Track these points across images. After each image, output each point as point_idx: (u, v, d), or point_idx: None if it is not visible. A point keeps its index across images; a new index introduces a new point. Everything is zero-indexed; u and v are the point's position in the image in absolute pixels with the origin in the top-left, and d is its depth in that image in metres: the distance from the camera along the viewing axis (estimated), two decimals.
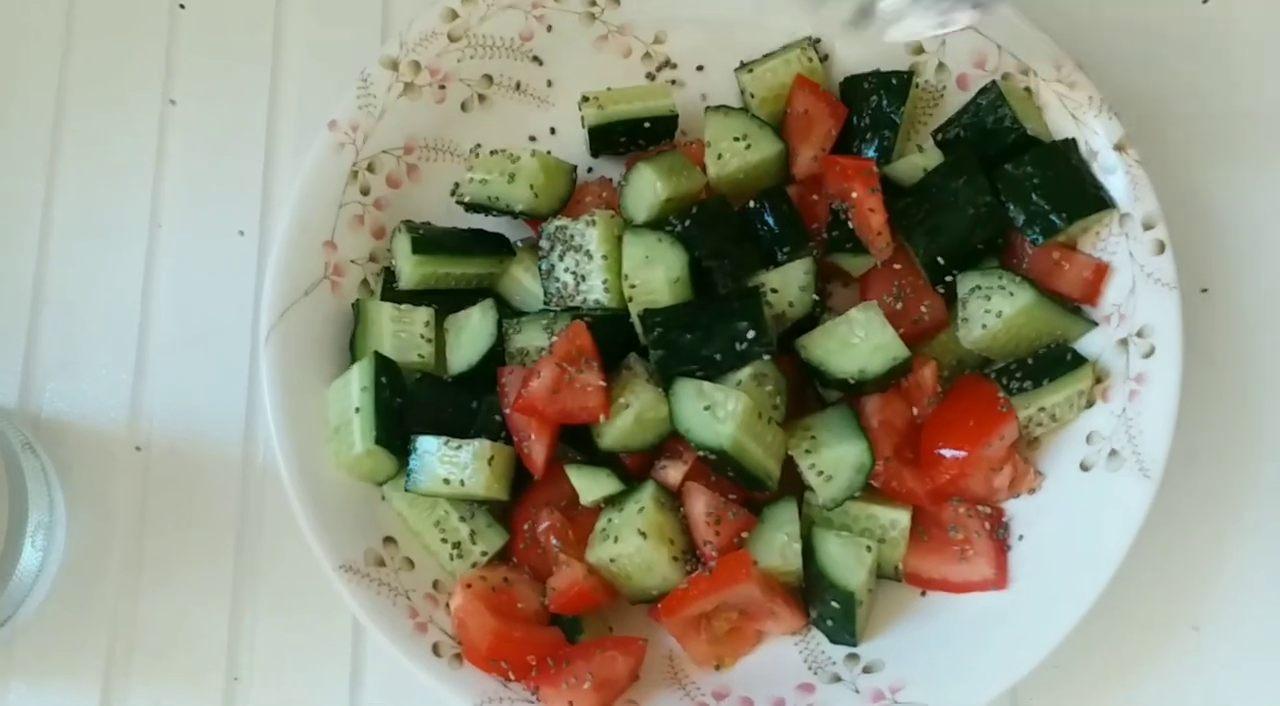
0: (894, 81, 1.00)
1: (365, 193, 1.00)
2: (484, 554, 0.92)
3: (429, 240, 0.98)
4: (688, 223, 0.93)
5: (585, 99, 1.01)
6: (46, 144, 1.10)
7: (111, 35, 1.13)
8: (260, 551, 0.99)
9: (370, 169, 1.01)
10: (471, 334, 0.97)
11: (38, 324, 1.05)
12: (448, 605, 0.91)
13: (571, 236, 0.94)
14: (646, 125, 1.01)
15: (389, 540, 0.93)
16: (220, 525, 1.00)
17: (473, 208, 1.00)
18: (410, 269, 0.97)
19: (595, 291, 0.93)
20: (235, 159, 1.09)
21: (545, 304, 0.96)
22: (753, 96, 1.02)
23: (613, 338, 0.92)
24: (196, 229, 1.08)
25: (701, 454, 0.88)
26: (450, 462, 0.90)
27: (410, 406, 0.94)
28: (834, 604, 0.88)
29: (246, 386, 1.03)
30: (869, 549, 0.89)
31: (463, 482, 0.90)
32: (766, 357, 0.90)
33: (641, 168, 0.96)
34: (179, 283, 1.07)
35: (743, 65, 1.04)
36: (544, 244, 0.95)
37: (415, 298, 0.98)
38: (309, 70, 1.11)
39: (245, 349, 1.03)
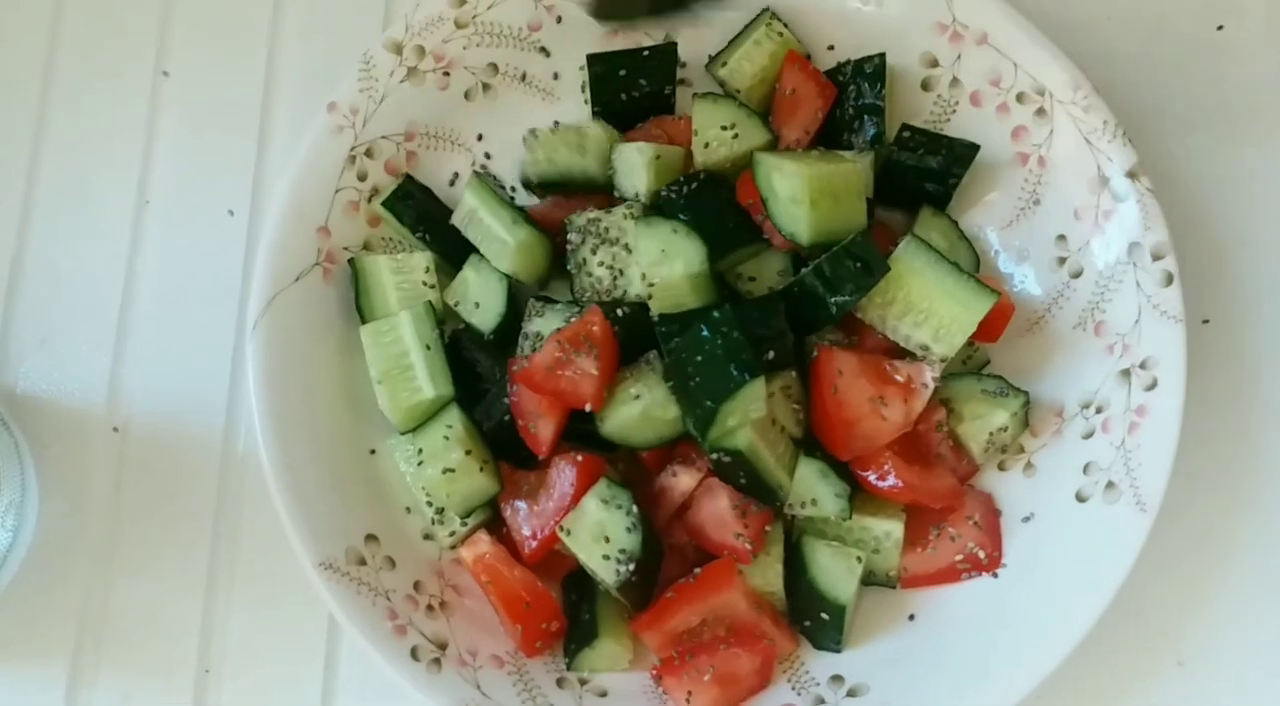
0: (868, 68, 0.98)
1: (362, 179, 0.98)
2: (464, 524, 0.91)
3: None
4: (684, 194, 0.91)
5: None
6: (33, 112, 1.07)
7: (104, 2, 1.09)
8: (237, 541, 0.97)
9: (369, 154, 0.98)
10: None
11: (16, 297, 1.03)
12: (429, 606, 0.89)
13: (606, 229, 0.92)
14: (645, 53, 1.00)
15: (371, 538, 0.91)
16: (197, 512, 0.97)
17: (544, 188, 0.99)
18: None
19: (635, 285, 0.91)
20: (228, 135, 1.06)
21: (573, 299, 0.94)
22: (739, 91, 1.00)
23: (648, 333, 0.90)
24: (185, 206, 1.05)
25: (714, 456, 0.86)
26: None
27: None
28: (824, 616, 0.88)
29: (230, 371, 1.00)
30: (859, 559, 0.88)
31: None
32: (792, 372, 0.88)
33: (623, 148, 0.96)
34: (165, 261, 1.04)
35: (713, 59, 1.02)
36: (573, 237, 0.93)
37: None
38: (307, 48, 1.08)
39: (230, 332, 1.01)
